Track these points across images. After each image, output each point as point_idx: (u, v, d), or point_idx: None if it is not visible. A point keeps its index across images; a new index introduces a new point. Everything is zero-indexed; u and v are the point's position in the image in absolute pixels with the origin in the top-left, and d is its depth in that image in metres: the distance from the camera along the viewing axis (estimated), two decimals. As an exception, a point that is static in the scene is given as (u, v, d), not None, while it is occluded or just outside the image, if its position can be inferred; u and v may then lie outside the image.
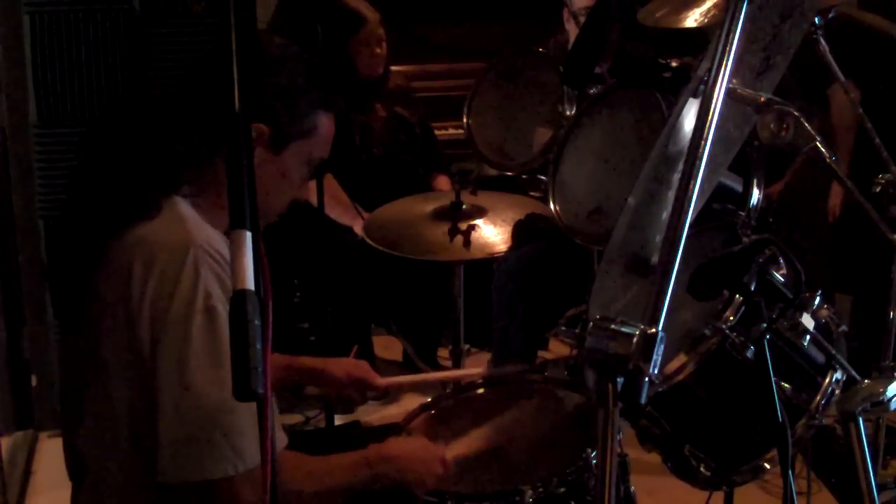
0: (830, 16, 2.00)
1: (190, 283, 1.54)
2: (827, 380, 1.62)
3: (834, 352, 1.62)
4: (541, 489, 1.80)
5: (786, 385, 1.60)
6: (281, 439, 1.66)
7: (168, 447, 1.54)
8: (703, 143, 1.12)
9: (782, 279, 1.51)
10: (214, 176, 1.65)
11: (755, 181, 1.99)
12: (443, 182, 3.93)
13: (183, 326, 1.53)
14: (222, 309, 1.54)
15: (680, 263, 1.07)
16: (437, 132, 4.19)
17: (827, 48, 2.18)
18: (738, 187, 2.02)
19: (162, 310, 1.54)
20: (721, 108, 1.15)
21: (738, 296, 1.49)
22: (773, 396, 1.44)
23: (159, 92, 1.71)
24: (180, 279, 1.54)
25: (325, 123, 1.74)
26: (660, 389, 1.48)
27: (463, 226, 2.58)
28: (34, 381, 3.51)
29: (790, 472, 1.46)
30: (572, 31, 3.68)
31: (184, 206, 1.63)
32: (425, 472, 1.82)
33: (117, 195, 1.63)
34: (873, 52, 2.27)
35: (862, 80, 2.44)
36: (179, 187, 1.64)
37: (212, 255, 1.57)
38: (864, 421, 1.60)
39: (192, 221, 1.62)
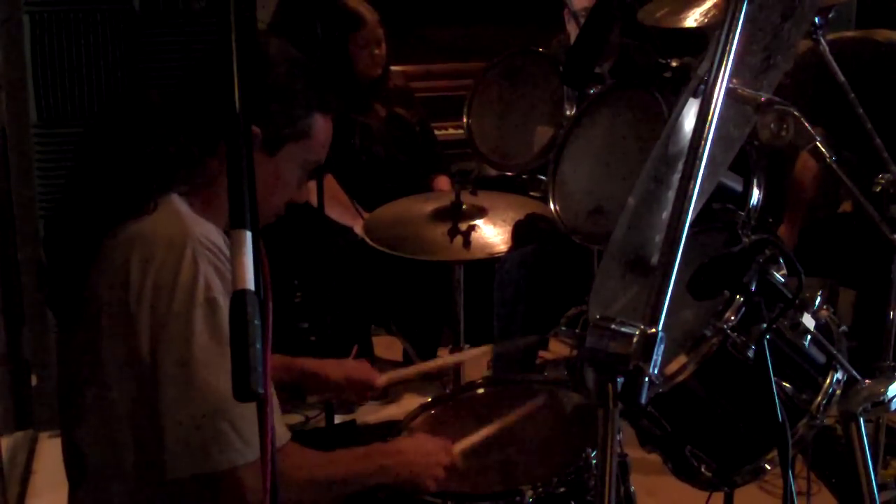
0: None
1: (190, 275, 1.54)
2: (828, 380, 1.61)
3: (835, 352, 1.62)
4: (541, 489, 1.80)
5: (786, 385, 1.60)
6: (284, 434, 1.66)
7: (174, 441, 1.53)
8: (703, 143, 1.12)
9: (782, 279, 1.51)
10: (206, 174, 1.66)
11: (755, 181, 2.00)
12: (443, 182, 3.93)
13: (185, 319, 1.53)
14: (223, 301, 1.54)
15: (680, 263, 1.07)
16: (437, 132, 4.19)
17: (826, 48, 2.18)
18: (738, 187, 2.02)
19: (163, 304, 1.54)
20: (721, 108, 1.14)
21: (738, 296, 1.48)
22: (774, 397, 1.44)
23: (156, 92, 1.71)
24: (180, 272, 1.54)
25: (321, 126, 1.73)
26: (660, 390, 1.48)
27: (463, 226, 2.58)
28: (34, 381, 3.50)
29: (790, 472, 1.46)
30: (573, 31, 3.68)
31: (179, 203, 1.64)
32: (431, 465, 1.81)
33: (112, 193, 1.63)
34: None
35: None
36: (174, 185, 1.64)
37: (209, 249, 1.58)
38: (865, 421, 1.60)
39: (187, 216, 1.62)
